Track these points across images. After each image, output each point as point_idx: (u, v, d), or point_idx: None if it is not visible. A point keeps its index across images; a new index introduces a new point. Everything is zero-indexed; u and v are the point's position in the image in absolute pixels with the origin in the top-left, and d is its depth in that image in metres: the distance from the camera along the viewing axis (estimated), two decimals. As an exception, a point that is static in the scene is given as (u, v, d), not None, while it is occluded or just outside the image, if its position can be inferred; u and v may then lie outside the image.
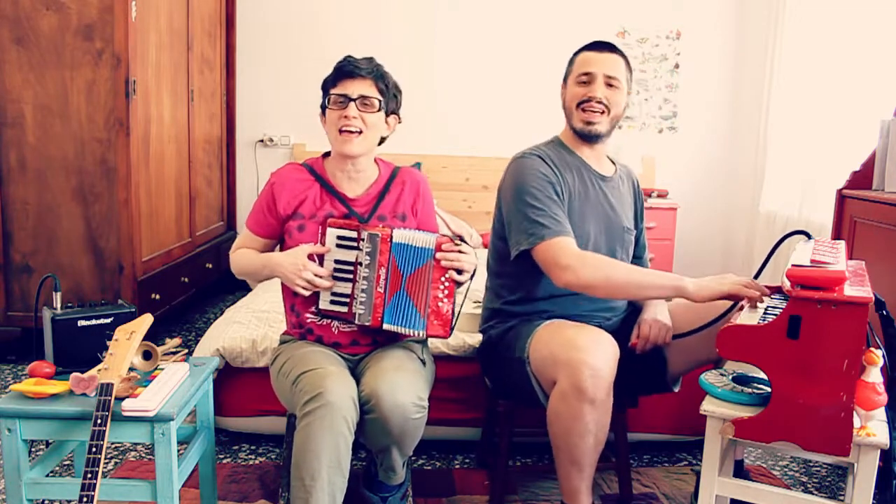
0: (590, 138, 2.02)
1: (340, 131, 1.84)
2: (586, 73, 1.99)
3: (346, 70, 1.85)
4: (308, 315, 1.90)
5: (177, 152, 3.76)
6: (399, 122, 1.97)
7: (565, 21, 4.70)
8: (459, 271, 1.83)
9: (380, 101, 1.86)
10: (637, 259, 2.20)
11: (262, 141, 4.78)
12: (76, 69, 3.09)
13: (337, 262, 1.84)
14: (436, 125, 4.77)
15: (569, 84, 2.04)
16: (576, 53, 2.06)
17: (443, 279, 1.82)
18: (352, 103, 1.83)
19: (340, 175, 1.92)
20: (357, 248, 1.83)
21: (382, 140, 1.94)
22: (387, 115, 1.90)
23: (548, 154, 2.00)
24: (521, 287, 2.01)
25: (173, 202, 3.73)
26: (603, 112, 1.98)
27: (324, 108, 1.91)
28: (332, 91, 1.86)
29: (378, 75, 1.88)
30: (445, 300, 1.82)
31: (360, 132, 1.84)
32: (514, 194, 1.94)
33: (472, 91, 4.77)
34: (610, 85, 1.98)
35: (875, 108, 3.21)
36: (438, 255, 1.81)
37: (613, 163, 2.15)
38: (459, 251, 1.82)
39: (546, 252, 1.86)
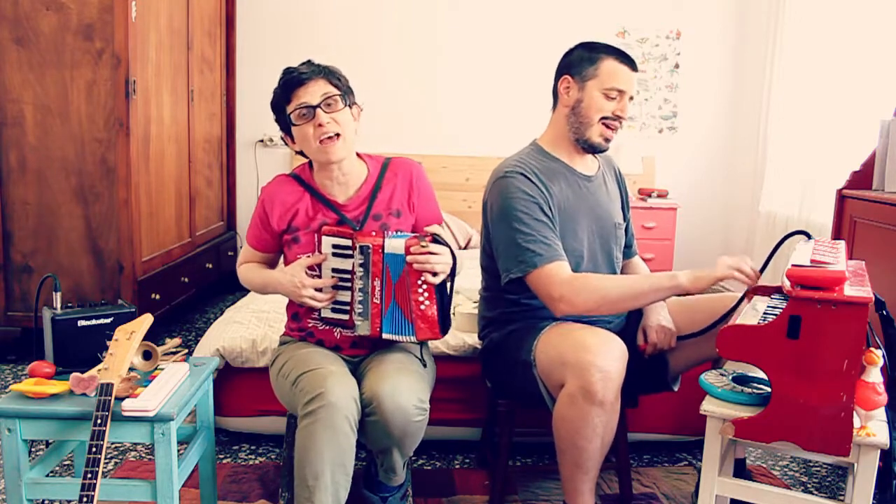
0: (595, 151, 1.99)
1: (320, 141, 1.77)
2: (619, 91, 1.91)
3: (294, 80, 1.78)
4: (310, 321, 1.90)
5: (177, 152, 3.76)
6: (361, 110, 1.88)
7: (565, 21, 4.70)
8: (434, 273, 1.74)
9: (341, 97, 1.80)
10: (627, 248, 2.19)
11: (262, 141, 4.79)
12: (76, 69, 3.09)
13: (335, 270, 1.83)
14: (436, 125, 4.78)
15: (590, 89, 1.91)
16: (599, 56, 1.92)
17: (419, 282, 1.75)
18: (318, 110, 1.77)
19: (329, 182, 1.88)
20: (353, 257, 1.80)
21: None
22: (350, 107, 1.83)
23: (530, 167, 1.92)
24: (517, 300, 1.98)
25: (173, 202, 3.73)
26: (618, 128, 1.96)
27: (287, 127, 1.83)
28: (290, 107, 1.79)
29: (328, 72, 1.81)
30: (427, 302, 1.76)
31: (339, 135, 1.78)
32: (501, 218, 1.88)
33: (471, 91, 4.77)
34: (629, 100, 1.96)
35: (875, 108, 3.21)
36: (409, 258, 1.74)
37: (595, 158, 2.10)
38: (429, 252, 1.73)
39: (538, 281, 1.83)
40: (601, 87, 1.91)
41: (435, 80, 4.76)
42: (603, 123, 1.93)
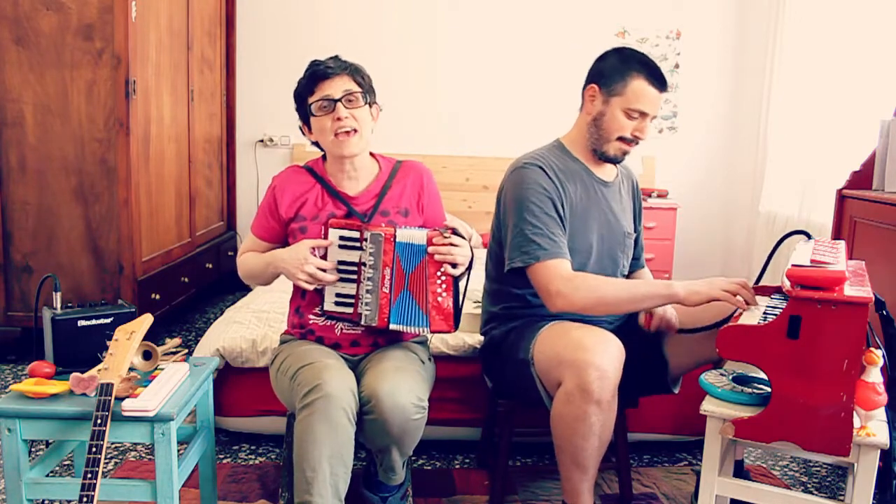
0: (612, 162, 2.01)
1: (336, 134, 1.82)
2: (642, 112, 1.90)
3: (320, 73, 1.83)
4: (311, 316, 1.90)
5: (177, 152, 3.76)
6: (381, 110, 1.93)
7: (565, 21, 4.69)
8: (454, 265, 1.80)
9: (363, 94, 1.85)
10: (635, 260, 2.20)
11: (262, 141, 4.78)
12: (76, 69, 3.09)
13: (340, 262, 1.83)
14: (436, 125, 4.78)
15: (614, 106, 1.91)
16: (630, 72, 1.89)
17: (439, 273, 1.79)
18: (338, 104, 1.81)
19: (340, 175, 1.91)
20: (360, 249, 1.82)
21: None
22: (370, 106, 1.88)
23: (550, 162, 1.95)
24: (521, 293, 1.98)
25: (173, 202, 3.73)
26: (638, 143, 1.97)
27: (306, 117, 1.88)
28: (313, 98, 1.83)
29: (353, 70, 1.86)
30: (444, 294, 1.80)
31: (356, 130, 1.83)
32: (515, 207, 1.90)
33: (472, 91, 4.77)
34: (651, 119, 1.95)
35: (875, 108, 3.20)
36: (430, 249, 1.78)
37: (615, 166, 2.11)
38: (451, 244, 1.79)
39: (538, 275, 1.84)
40: (625, 105, 1.91)
41: (435, 81, 4.75)
42: (621, 140, 1.94)
